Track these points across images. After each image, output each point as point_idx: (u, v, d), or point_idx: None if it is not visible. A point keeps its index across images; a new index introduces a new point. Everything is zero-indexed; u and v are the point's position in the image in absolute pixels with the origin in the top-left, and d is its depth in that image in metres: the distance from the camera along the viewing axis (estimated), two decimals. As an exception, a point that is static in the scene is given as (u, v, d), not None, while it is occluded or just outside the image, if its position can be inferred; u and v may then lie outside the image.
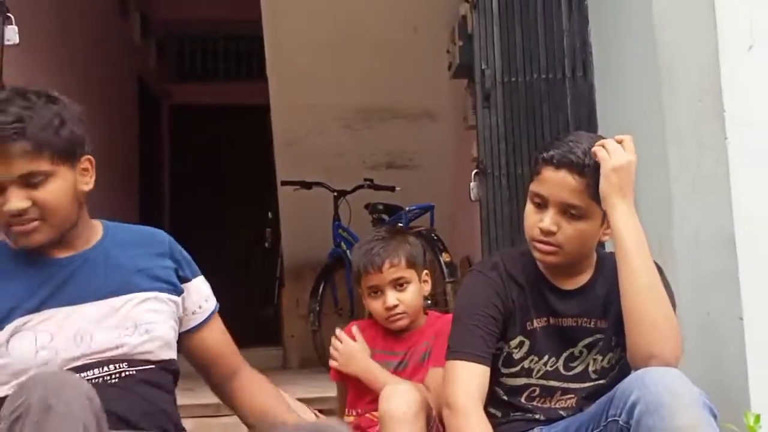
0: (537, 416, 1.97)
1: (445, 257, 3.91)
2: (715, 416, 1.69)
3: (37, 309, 1.75)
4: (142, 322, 1.81)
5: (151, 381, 1.81)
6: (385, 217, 4.55)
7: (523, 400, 1.98)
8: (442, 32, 4.33)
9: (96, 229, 1.91)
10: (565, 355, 1.97)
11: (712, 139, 2.24)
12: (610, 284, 1.94)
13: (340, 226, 5.08)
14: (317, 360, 5.02)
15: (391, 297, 2.26)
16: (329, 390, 2.59)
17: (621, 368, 1.96)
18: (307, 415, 2.05)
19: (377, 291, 2.28)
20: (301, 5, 5.01)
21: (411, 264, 2.28)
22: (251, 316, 6.61)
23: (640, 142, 1.93)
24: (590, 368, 1.98)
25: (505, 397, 1.99)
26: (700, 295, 2.29)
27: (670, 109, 2.47)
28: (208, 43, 8.54)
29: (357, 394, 2.28)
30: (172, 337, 1.88)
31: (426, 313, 2.36)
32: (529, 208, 1.95)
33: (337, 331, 2.35)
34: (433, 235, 4.00)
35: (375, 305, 2.28)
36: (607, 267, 1.98)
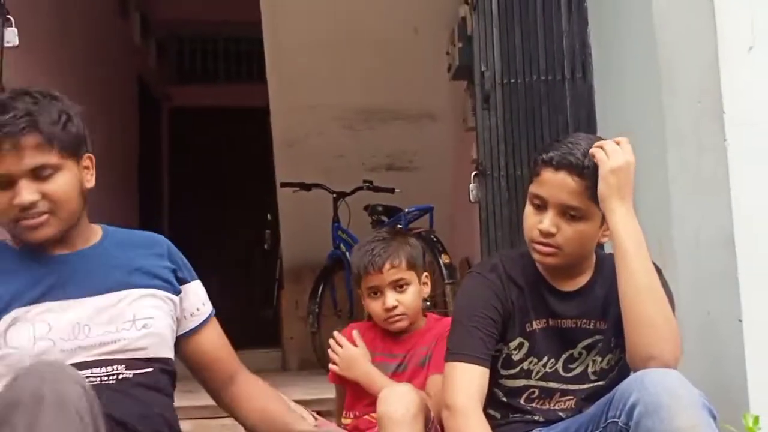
0: (536, 418, 1.97)
1: (444, 259, 3.90)
2: (714, 417, 1.68)
3: (36, 301, 1.76)
4: (140, 317, 1.82)
5: (149, 384, 1.80)
6: (385, 218, 4.54)
7: (522, 401, 1.98)
8: (442, 33, 4.32)
9: (95, 231, 1.93)
10: (564, 356, 1.97)
11: (712, 139, 2.24)
12: (609, 285, 1.94)
13: (340, 228, 5.08)
14: (316, 362, 5.02)
15: (391, 298, 2.25)
16: (328, 392, 2.59)
17: (620, 369, 1.96)
18: (305, 416, 2.05)
19: (377, 292, 2.27)
20: (301, 5, 5.01)
21: (411, 265, 2.28)
22: (250, 318, 6.62)
23: (639, 143, 1.93)
24: (589, 369, 1.97)
25: (505, 399, 1.99)
26: (699, 296, 2.29)
27: (669, 110, 2.47)
28: (209, 44, 8.54)
29: (355, 397, 2.28)
30: (170, 335, 1.88)
31: (425, 315, 2.35)
32: (529, 209, 1.95)
33: (335, 334, 2.34)
34: (432, 236, 3.99)
35: (374, 306, 2.28)
36: (607, 268, 1.97)
